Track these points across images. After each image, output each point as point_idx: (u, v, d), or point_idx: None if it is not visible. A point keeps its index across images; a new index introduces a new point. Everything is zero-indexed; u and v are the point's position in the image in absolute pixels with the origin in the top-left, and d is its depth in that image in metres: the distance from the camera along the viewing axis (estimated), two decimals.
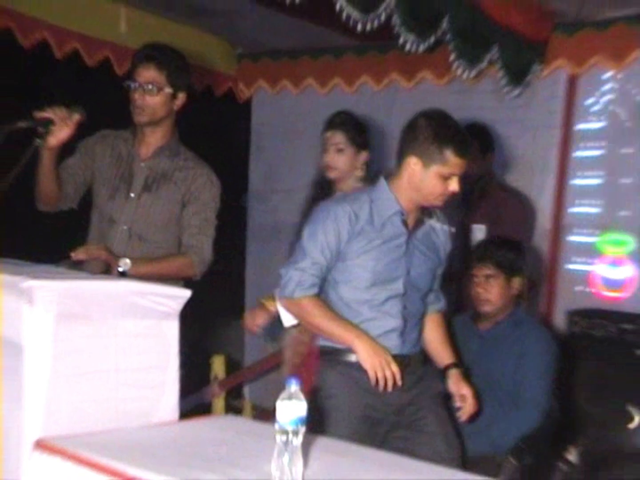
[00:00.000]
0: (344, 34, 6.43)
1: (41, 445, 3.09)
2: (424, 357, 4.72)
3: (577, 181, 7.55)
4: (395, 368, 4.36)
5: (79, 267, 4.21)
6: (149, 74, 4.71)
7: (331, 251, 4.38)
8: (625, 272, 7.19)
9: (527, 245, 6.89)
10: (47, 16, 6.94)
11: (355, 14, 5.55)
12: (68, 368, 3.23)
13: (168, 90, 4.76)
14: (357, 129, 5.12)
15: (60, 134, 4.44)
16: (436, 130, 4.27)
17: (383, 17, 5.69)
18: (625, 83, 7.33)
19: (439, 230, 4.57)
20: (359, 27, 5.66)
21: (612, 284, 7.24)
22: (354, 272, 4.42)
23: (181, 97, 4.88)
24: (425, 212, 4.47)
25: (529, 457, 5.08)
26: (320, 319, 4.50)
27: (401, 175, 4.28)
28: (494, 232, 6.57)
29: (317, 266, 4.41)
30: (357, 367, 4.46)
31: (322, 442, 3.23)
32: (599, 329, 6.67)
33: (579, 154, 7.55)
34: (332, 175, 5.09)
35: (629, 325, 6.53)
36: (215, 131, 8.40)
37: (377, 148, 8.28)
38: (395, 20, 5.79)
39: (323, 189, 5.17)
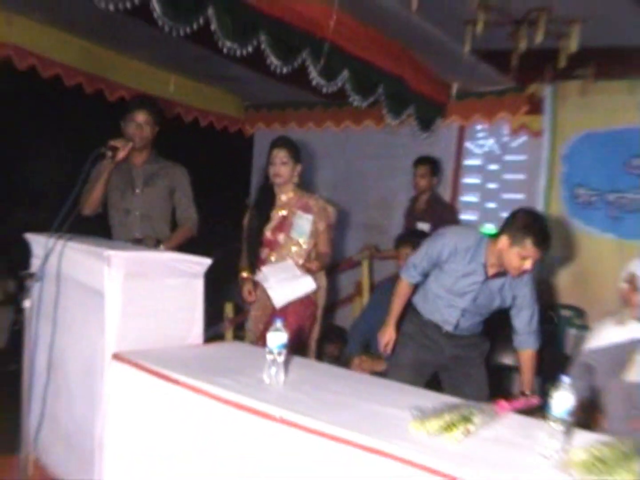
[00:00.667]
0: (315, 94, 6.41)
1: (116, 356, 3.18)
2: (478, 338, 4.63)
3: (464, 195, 7.60)
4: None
5: (139, 244, 4.24)
6: (142, 115, 4.78)
7: (430, 261, 4.38)
8: None
9: None
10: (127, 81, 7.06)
11: (321, 81, 5.57)
12: (133, 307, 3.31)
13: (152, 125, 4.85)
14: (294, 148, 4.82)
15: (121, 155, 4.53)
16: (526, 222, 4.17)
17: (340, 84, 5.72)
18: (493, 133, 7.41)
19: (509, 284, 4.41)
20: (324, 90, 5.68)
21: None
22: (440, 278, 4.40)
23: (156, 128, 4.91)
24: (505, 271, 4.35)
25: None
26: (395, 296, 4.59)
27: (496, 244, 4.19)
28: (435, 229, 6.48)
29: (419, 267, 4.44)
30: (424, 322, 4.52)
31: (298, 361, 3.26)
32: None
33: (464, 173, 7.62)
34: (277, 181, 4.78)
35: None
36: (230, 157, 8.43)
37: (334, 168, 8.35)
38: (348, 86, 5.82)
39: (266, 193, 4.90)
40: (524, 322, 4.40)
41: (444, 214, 6.91)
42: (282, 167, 4.73)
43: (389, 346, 4.51)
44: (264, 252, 4.87)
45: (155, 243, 4.64)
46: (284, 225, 4.81)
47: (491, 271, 4.29)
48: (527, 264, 4.12)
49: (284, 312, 4.55)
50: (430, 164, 6.87)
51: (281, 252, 4.81)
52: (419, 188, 6.87)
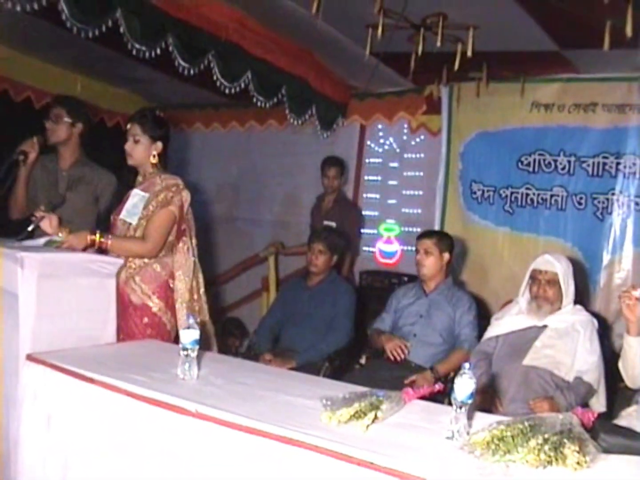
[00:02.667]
0: (218, 94, 6.40)
1: (31, 357, 3.12)
2: None
3: (366, 193, 7.71)
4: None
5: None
6: (55, 110, 4.69)
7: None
8: (394, 247, 7.35)
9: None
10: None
11: (225, 82, 5.60)
12: (46, 308, 3.25)
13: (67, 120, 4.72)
14: (151, 123, 3.99)
15: (32, 156, 4.46)
16: None
17: (243, 85, 5.76)
18: (393, 132, 7.54)
19: None
20: (227, 90, 5.71)
21: (387, 255, 7.38)
22: None
23: (79, 126, 4.78)
24: None
25: (338, 361, 5.16)
26: None
27: None
28: (342, 227, 6.66)
29: None
30: None
31: (211, 355, 3.28)
32: (378, 282, 6.82)
33: (366, 170, 7.72)
34: (129, 162, 4.03)
35: (395, 280, 6.72)
36: None
37: (239, 167, 8.37)
38: (251, 87, 5.85)
39: (127, 175, 4.32)
40: None
41: (350, 213, 7.09)
42: (134, 146, 4.00)
43: (400, 350, 4.61)
44: None
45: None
46: (121, 207, 4.08)
47: None
48: None
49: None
50: (339, 166, 6.97)
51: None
52: (329, 188, 6.95)
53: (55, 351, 3.18)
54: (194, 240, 4.10)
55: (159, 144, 4.02)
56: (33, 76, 6.92)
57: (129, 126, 4.01)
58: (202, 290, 4.13)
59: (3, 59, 6.56)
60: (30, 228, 3.73)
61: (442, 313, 4.86)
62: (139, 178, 4.09)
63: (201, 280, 4.13)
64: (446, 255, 4.93)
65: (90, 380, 2.84)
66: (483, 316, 5.05)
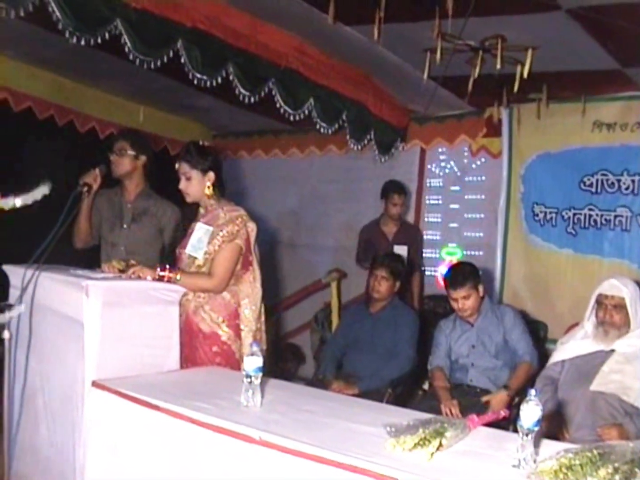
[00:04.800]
0: (280, 121, 6.45)
1: (96, 384, 3.16)
2: None
3: (427, 214, 7.65)
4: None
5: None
6: (119, 144, 4.71)
7: None
8: None
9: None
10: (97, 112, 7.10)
11: (289, 109, 5.63)
12: (111, 335, 3.30)
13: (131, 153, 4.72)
14: (196, 157, 3.90)
15: (95, 187, 4.47)
16: None
17: (306, 112, 5.78)
18: (454, 155, 7.49)
19: None
20: (291, 117, 5.74)
21: None
22: None
23: (142, 158, 4.79)
24: None
25: (400, 387, 5.12)
26: None
27: None
28: (410, 251, 6.68)
29: None
30: None
31: (274, 383, 3.26)
32: (440, 308, 6.74)
33: (427, 194, 7.66)
34: (188, 200, 4.00)
35: None
36: None
37: (299, 193, 8.38)
38: (314, 114, 5.88)
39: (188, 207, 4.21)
40: None
41: (416, 237, 7.11)
42: (186, 184, 3.95)
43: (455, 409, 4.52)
44: None
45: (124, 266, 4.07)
46: (186, 240, 4.03)
47: None
48: None
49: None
50: (404, 193, 6.94)
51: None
52: (395, 216, 6.90)
53: (120, 378, 3.22)
54: (258, 270, 4.05)
55: (211, 174, 3.94)
56: (97, 107, 7.07)
57: (177, 166, 3.95)
58: (262, 318, 4.10)
59: (69, 91, 6.72)
60: None
61: (492, 337, 4.81)
62: (201, 210, 4.04)
63: (263, 309, 4.10)
64: (481, 289, 4.87)
65: (155, 407, 2.85)
66: (548, 340, 4.98)
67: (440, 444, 2.29)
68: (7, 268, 3.82)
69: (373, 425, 2.55)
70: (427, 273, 7.41)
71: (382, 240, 6.86)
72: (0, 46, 5.80)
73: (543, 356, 4.73)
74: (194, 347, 3.84)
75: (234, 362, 3.84)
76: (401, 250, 6.58)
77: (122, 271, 3.70)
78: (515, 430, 2.27)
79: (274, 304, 7.96)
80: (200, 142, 4.05)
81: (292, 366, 7.48)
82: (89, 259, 4.37)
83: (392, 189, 6.85)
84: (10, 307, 3.47)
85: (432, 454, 2.25)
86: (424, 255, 7.29)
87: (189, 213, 4.11)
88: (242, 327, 3.94)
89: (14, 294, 3.67)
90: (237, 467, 2.51)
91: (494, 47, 5.11)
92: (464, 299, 4.77)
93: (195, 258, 3.90)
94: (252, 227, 3.96)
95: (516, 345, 4.72)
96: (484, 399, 4.50)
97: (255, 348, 2.81)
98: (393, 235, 6.88)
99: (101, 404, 3.12)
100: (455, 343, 4.90)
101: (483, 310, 4.88)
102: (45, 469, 3.50)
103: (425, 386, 5.18)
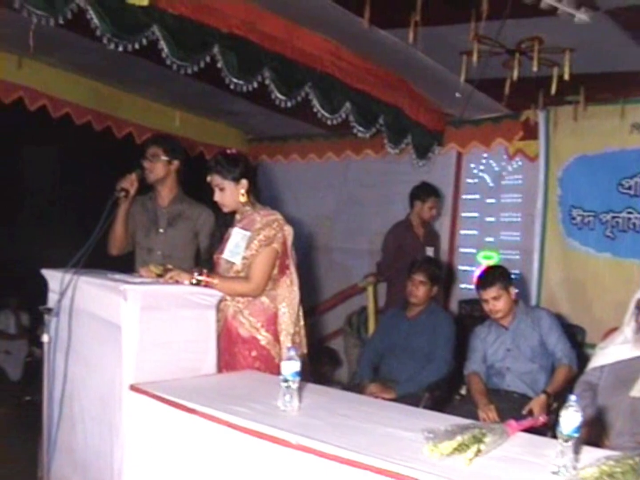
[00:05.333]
0: (317, 126, 6.47)
1: (134, 388, 3.18)
2: None
3: (463, 214, 7.62)
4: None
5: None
6: (151, 149, 4.72)
7: None
8: None
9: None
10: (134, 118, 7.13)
11: (326, 114, 5.63)
12: (149, 339, 3.33)
13: (164, 158, 4.73)
14: (228, 166, 3.87)
15: (132, 192, 4.52)
16: None
17: (343, 116, 5.78)
18: (490, 159, 7.44)
19: None
20: (328, 122, 5.75)
21: None
22: None
23: (175, 163, 4.80)
24: None
25: (438, 392, 5.10)
26: None
27: None
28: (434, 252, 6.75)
29: None
30: None
31: (311, 387, 3.25)
32: (477, 311, 6.69)
33: (463, 197, 7.62)
34: (225, 210, 3.97)
35: None
36: None
37: (336, 198, 8.38)
38: (350, 118, 5.88)
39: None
40: None
41: (438, 240, 7.19)
42: (220, 195, 3.95)
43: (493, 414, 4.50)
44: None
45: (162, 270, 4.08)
46: (224, 246, 4.02)
47: None
48: None
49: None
50: (439, 195, 6.98)
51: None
52: (430, 219, 6.96)
53: (158, 382, 3.24)
54: (296, 273, 4.03)
55: (244, 182, 3.91)
56: (134, 113, 7.12)
57: (209, 179, 3.93)
58: (301, 322, 4.08)
59: (106, 97, 6.78)
60: None
61: (527, 340, 4.79)
62: (237, 216, 4.02)
63: (301, 312, 4.07)
64: (512, 290, 4.84)
65: (192, 411, 2.86)
66: (586, 345, 4.93)
67: (479, 450, 2.27)
68: (45, 272, 3.86)
69: (410, 430, 2.53)
70: (462, 273, 7.47)
71: (415, 243, 6.84)
72: (40, 53, 5.84)
73: (581, 360, 4.68)
74: (233, 353, 3.85)
75: (273, 367, 3.82)
76: (429, 252, 6.62)
77: (159, 275, 3.74)
78: (554, 436, 2.24)
79: (309, 308, 7.96)
80: (229, 151, 4.04)
81: (328, 370, 7.49)
82: (123, 266, 4.37)
83: (430, 192, 6.86)
84: (49, 310, 3.50)
85: (470, 459, 2.23)
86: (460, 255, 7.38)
87: (226, 219, 4.09)
88: (280, 330, 3.93)
89: (52, 298, 3.71)
90: (274, 471, 2.51)
91: (530, 49, 5.07)
92: (494, 300, 4.78)
93: (233, 264, 3.89)
94: (288, 230, 3.94)
95: (554, 348, 4.68)
96: (526, 409, 4.45)
97: (292, 352, 2.81)
98: (423, 238, 6.89)
99: (139, 408, 3.14)
100: (491, 347, 4.87)
101: (517, 313, 4.85)
102: (83, 471, 3.53)
103: (463, 391, 5.14)
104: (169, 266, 3.78)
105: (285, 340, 3.91)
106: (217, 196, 3.93)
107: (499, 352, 4.85)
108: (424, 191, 6.85)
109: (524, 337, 4.78)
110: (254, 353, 3.86)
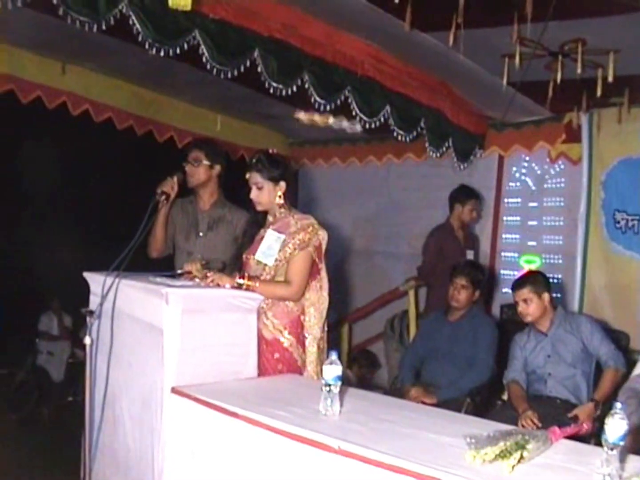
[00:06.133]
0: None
1: (175, 390, 3.20)
2: None
3: (505, 218, 7.57)
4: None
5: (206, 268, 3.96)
6: (193, 154, 4.69)
7: None
8: None
9: None
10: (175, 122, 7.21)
11: (365, 117, 5.62)
12: (190, 342, 3.34)
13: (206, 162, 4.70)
14: (268, 165, 3.86)
15: (172, 195, 4.51)
16: None
17: (382, 120, 5.76)
18: (532, 162, 7.40)
19: None
20: (367, 125, 5.74)
21: None
22: None
23: (217, 168, 4.77)
24: None
25: (479, 397, 5.06)
26: None
27: None
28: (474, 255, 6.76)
29: None
30: None
31: (352, 391, 3.25)
32: (518, 316, 6.62)
33: (505, 201, 7.59)
34: (258, 208, 3.96)
35: None
36: None
37: (377, 202, 8.37)
38: (391, 122, 5.86)
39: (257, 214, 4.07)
40: None
41: (476, 242, 7.19)
42: (257, 193, 3.92)
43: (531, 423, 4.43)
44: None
45: (221, 266, 4.21)
46: (255, 246, 4.00)
47: None
48: None
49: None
50: (478, 197, 6.94)
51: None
52: (471, 221, 6.94)
53: (199, 385, 3.25)
54: (326, 278, 3.99)
55: (282, 184, 3.90)
56: (175, 117, 7.19)
57: (247, 175, 3.91)
58: (326, 328, 4.05)
59: (148, 101, 6.84)
60: None
61: (567, 346, 4.73)
62: (269, 218, 4.00)
63: (326, 316, 4.03)
64: (546, 296, 4.79)
65: (233, 414, 2.87)
66: (630, 350, 4.86)
67: (522, 457, 2.24)
68: (87, 275, 3.90)
69: (452, 436, 2.51)
70: (504, 277, 7.41)
71: (456, 247, 6.80)
72: (82, 59, 5.93)
73: (625, 367, 4.62)
74: (257, 354, 3.78)
75: (295, 369, 3.83)
76: (470, 255, 6.59)
77: (204, 265, 3.81)
78: (597, 444, 2.21)
79: (349, 311, 7.97)
80: (271, 151, 4.01)
81: (367, 372, 7.48)
82: (164, 269, 4.39)
83: (469, 194, 6.82)
84: (91, 313, 3.53)
85: (513, 466, 2.20)
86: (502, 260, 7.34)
87: (257, 218, 4.08)
88: (305, 334, 3.90)
89: (94, 300, 3.74)
90: (316, 476, 2.50)
91: (573, 51, 5.02)
92: (523, 303, 4.78)
93: (265, 265, 3.86)
94: (323, 235, 3.91)
95: (598, 351, 4.63)
96: (572, 414, 4.40)
97: (334, 357, 2.80)
98: (463, 241, 6.85)
99: (180, 410, 3.16)
100: (531, 354, 4.83)
101: (556, 319, 4.81)
102: (125, 472, 3.56)
103: (505, 396, 5.09)
104: (209, 273, 3.77)
105: (312, 344, 3.89)
106: (254, 194, 3.90)
107: (539, 358, 4.80)
108: (463, 194, 6.80)
109: (564, 343, 4.73)
110: (276, 355, 3.82)
